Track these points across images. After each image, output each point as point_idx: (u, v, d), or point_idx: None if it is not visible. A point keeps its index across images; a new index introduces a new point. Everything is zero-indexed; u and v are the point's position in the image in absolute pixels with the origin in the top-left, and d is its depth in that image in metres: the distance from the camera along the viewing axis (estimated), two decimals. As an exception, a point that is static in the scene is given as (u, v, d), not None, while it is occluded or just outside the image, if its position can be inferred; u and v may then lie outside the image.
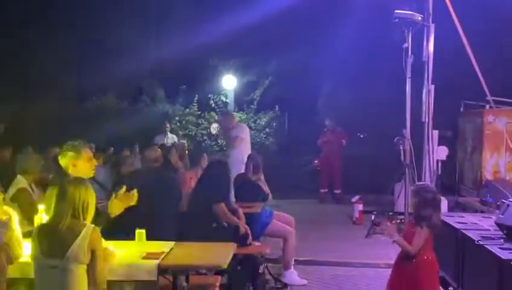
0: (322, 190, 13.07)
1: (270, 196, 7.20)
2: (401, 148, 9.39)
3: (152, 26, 15.49)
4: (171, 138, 12.68)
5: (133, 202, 4.25)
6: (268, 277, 6.67)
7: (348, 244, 8.51)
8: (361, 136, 14.77)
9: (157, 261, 3.94)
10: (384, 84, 12.06)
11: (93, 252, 3.45)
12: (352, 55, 13.09)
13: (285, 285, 6.69)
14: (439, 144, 8.74)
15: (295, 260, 7.22)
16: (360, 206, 10.26)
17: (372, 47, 12.93)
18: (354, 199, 10.49)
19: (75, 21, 14.84)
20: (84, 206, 3.54)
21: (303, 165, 13.89)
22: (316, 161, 13.35)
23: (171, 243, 4.43)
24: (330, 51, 13.23)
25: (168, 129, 13.05)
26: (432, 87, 8.62)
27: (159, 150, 6.31)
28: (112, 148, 10.55)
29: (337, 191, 13.04)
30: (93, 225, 3.55)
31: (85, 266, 3.45)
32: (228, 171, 6.29)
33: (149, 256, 4.04)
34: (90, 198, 3.60)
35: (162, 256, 4.05)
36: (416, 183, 4.36)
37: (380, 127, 12.71)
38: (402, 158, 9.40)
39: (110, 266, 3.72)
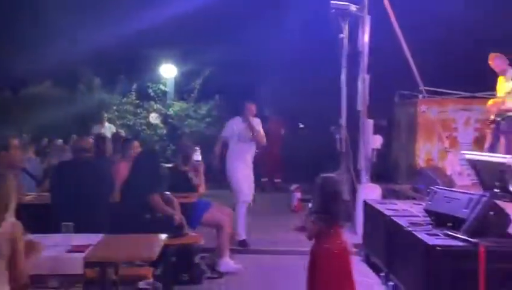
0: (262, 179, 13.12)
1: (203, 187, 7.14)
2: (337, 137, 9.53)
3: (90, 13, 15.10)
4: (108, 128, 12.46)
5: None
6: (204, 267, 6.64)
7: (285, 232, 8.59)
8: (301, 125, 14.91)
9: (82, 254, 3.85)
10: (323, 74, 12.18)
11: (13, 246, 3.34)
12: (291, 45, 13.16)
13: (221, 274, 6.69)
14: (375, 133, 8.89)
15: (233, 249, 7.25)
16: (299, 195, 10.39)
17: (311, 37, 13.02)
18: (292, 188, 10.61)
19: (9, 5, 14.33)
20: (3, 198, 3.41)
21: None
22: (257, 150, 13.35)
23: (99, 236, 4.34)
24: (270, 40, 13.28)
25: (106, 119, 12.82)
26: (367, 77, 8.76)
27: (90, 139, 6.17)
28: (46, 139, 10.28)
29: (277, 180, 13.13)
30: (13, 219, 3.43)
31: (5, 260, 3.33)
32: (158, 160, 6.22)
33: (75, 249, 3.95)
34: (10, 190, 3.47)
35: (89, 249, 3.97)
36: (321, 175, 4.31)
37: (318, 117, 12.86)
38: (338, 147, 9.55)
39: (34, 260, 3.61)
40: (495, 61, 8.48)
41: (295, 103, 13.66)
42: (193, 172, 7.08)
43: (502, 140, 8.35)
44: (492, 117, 8.51)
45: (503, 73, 8.50)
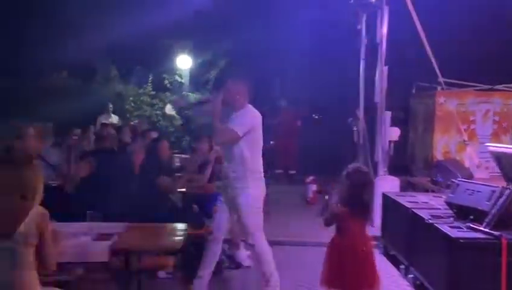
0: (276, 171, 13.12)
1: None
2: (355, 129, 9.51)
3: (107, 3, 15.13)
4: (114, 119, 12.59)
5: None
6: (222, 257, 6.65)
7: (301, 224, 8.59)
8: (317, 117, 14.86)
9: (108, 243, 3.88)
10: (339, 66, 12.13)
11: (41, 234, 3.37)
12: (308, 36, 13.11)
13: (239, 264, 6.71)
14: (392, 125, 8.85)
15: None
16: (314, 187, 10.37)
17: (328, 28, 12.97)
18: (308, 180, 10.58)
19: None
20: (32, 187, 3.44)
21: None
22: (272, 142, 13.39)
23: (123, 225, 4.37)
24: (287, 31, 13.22)
25: (111, 109, 12.96)
26: (385, 68, 8.71)
27: (113, 130, 6.21)
28: (76, 130, 10.35)
29: (292, 172, 13.12)
30: (41, 207, 3.46)
31: (34, 248, 3.37)
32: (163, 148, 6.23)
33: (101, 237, 3.98)
34: (38, 179, 3.50)
35: (114, 237, 4.00)
36: (351, 165, 4.24)
37: (334, 108, 12.82)
38: (355, 139, 9.52)
39: (61, 248, 3.64)
40: None
41: (312, 94, 13.62)
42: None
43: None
44: None
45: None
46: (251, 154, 5.09)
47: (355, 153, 9.44)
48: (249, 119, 5.16)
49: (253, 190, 5.09)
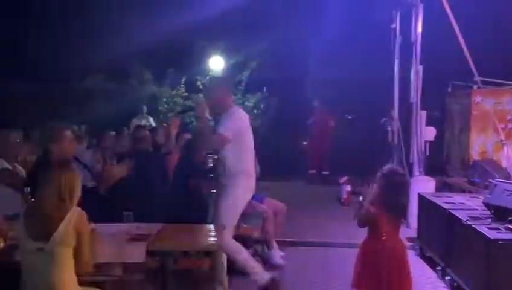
0: (310, 171, 13.08)
1: None
2: (389, 129, 9.40)
3: (140, 7, 15.31)
4: (149, 121, 12.74)
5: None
6: (257, 258, 6.65)
7: (336, 225, 8.53)
8: (350, 117, 14.76)
9: (145, 243, 3.91)
10: (372, 65, 12.02)
11: (79, 235, 3.42)
12: (340, 35, 13.02)
13: (274, 266, 6.69)
14: (427, 124, 8.72)
15: (283, 242, 7.24)
16: (348, 187, 10.29)
17: (360, 27, 12.86)
18: (341, 180, 10.51)
19: (64, 2, 14.68)
20: (69, 188, 3.49)
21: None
22: (305, 142, 13.35)
23: (159, 225, 4.40)
24: (318, 31, 13.16)
25: (145, 111, 13.08)
26: (420, 68, 8.59)
27: (147, 131, 6.27)
28: (107, 131, 10.49)
29: (325, 173, 13.05)
30: (79, 208, 3.51)
31: (71, 249, 3.42)
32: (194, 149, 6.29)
33: (137, 238, 4.02)
34: (75, 181, 3.55)
35: (150, 238, 4.03)
36: (385, 166, 4.21)
37: (368, 108, 12.71)
38: (390, 139, 9.41)
39: (98, 248, 3.69)
40: None
41: (345, 94, 13.52)
42: None
43: None
44: None
45: None
46: (232, 154, 5.17)
47: (390, 154, 9.33)
48: (234, 121, 5.18)
49: (231, 189, 5.16)
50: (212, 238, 4.23)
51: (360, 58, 13.00)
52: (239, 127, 5.21)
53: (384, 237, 4.04)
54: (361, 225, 4.13)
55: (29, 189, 4.42)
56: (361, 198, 4.34)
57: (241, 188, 5.23)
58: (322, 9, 13.13)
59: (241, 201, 5.27)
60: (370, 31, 11.43)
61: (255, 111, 14.73)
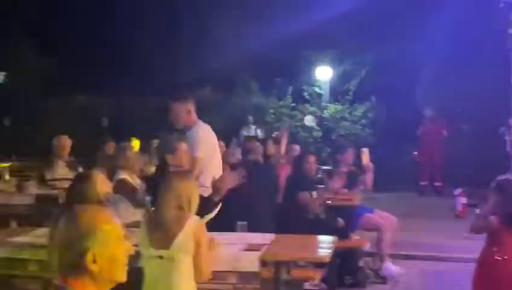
0: (421, 182, 12.71)
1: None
2: (508, 138, 9.01)
3: (247, 17, 15.60)
4: (254, 130, 12.87)
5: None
6: (368, 271, 6.55)
7: (450, 238, 8.21)
8: (464, 126, 14.18)
9: (259, 253, 3.95)
10: (487, 73, 11.53)
11: (198, 243, 3.50)
12: (451, 43, 12.60)
13: (385, 279, 6.55)
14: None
15: (394, 255, 7.07)
16: (464, 199, 9.89)
17: (473, 34, 12.37)
18: (456, 192, 10.13)
19: (172, 14, 15.30)
20: (188, 197, 3.59)
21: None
22: (415, 153, 12.98)
23: (272, 235, 4.44)
24: (428, 39, 12.80)
25: (252, 122, 13.22)
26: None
27: (257, 142, 6.36)
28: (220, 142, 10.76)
29: (437, 184, 12.64)
30: (198, 217, 3.61)
31: (191, 257, 3.51)
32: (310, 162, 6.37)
33: (251, 247, 4.06)
34: (194, 189, 3.65)
35: (264, 248, 4.07)
36: (502, 176, 4.06)
37: (483, 117, 12.16)
38: (508, 149, 9.01)
39: (215, 257, 3.77)
40: None
41: (458, 103, 13.02)
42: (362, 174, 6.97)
43: None
44: None
45: None
46: None
47: (508, 164, 8.89)
48: (202, 136, 4.98)
49: None
50: (327, 250, 4.20)
51: (473, 65, 12.48)
52: (207, 141, 5.04)
53: (506, 250, 3.89)
54: (476, 231, 4.03)
55: (150, 198, 4.61)
56: (478, 211, 4.23)
57: None
58: (431, 17, 12.76)
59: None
60: (484, 37, 11.00)
61: (363, 121, 14.49)
